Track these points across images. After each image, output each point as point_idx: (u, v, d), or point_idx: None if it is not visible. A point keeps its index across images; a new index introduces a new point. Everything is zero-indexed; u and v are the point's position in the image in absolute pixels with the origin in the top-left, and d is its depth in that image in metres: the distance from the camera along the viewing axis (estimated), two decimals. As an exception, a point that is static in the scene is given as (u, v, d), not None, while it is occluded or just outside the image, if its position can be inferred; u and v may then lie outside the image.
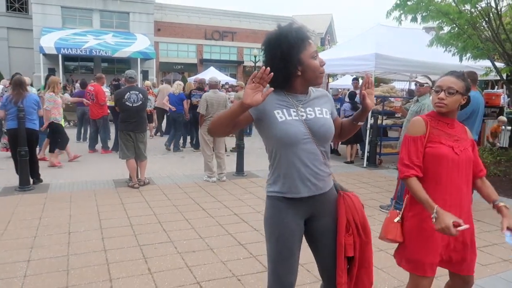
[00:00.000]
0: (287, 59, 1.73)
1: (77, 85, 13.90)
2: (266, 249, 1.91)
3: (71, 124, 13.24)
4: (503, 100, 9.71)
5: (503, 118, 9.33)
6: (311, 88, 1.90)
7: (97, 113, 8.60)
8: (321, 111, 1.86)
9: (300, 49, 1.74)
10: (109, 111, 8.95)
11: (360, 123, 1.99)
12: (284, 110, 1.79)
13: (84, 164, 7.39)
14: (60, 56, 19.33)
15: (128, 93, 5.70)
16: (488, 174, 6.59)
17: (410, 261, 2.03)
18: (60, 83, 7.32)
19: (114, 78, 15.63)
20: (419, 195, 1.94)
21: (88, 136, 9.43)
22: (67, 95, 12.57)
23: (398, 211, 2.14)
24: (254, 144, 9.95)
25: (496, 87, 14.63)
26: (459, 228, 1.82)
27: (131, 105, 5.69)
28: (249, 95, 1.62)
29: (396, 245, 2.16)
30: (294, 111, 1.80)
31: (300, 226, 1.87)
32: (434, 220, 1.86)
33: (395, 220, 2.08)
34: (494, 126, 9.30)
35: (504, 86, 8.82)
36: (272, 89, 1.66)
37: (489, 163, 6.92)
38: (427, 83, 4.81)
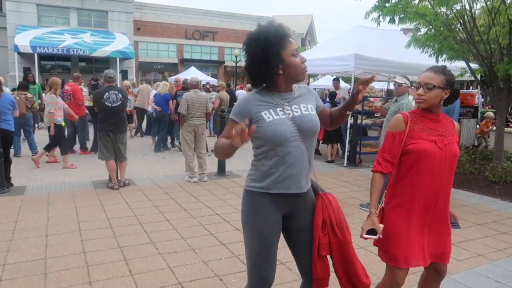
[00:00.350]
0: (268, 58, 1.75)
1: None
2: (245, 243, 1.93)
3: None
4: (478, 100, 10.00)
5: (490, 114, 9.41)
6: (294, 86, 1.94)
7: (74, 113, 8.40)
8: (306, 107, 1.90)
9: (281, 47, 1.76)
10: (87, 111, 8.77)
11: (349, 112, 2.07)
12: (271, 110, 1.82)
13: (61, 166, 7.22)
14: (36, 55, 18.79)
15: (107, 93, 5.61)
16: (463, 172, 6.82)
17: (386, 252, 2.10)
18: (60, 85, 7.26)
19: (92, 77, 15.37)
20: (371, 191, 2.07)
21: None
22: (44, 95, 12.28)
23: (379, 205, 2.19)
24: (236, 144, 9.91)
25: (471, 87, 15.07)
26: (366, 236, 1.98)
27: (110, 105, 5.61)
28: (238, 141, 1.52)
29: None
30: (280, 110, 1.84)
31: (279, 222, 1.92)
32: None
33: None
34: (483, 123, 9.32)
35: (479, 87, 9.09)
36: (254, 127, 1.59)
37: (464, 161, 7.13)
38: (405, 83, 4.91)
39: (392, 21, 7.32)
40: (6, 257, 3.37)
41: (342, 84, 10.12)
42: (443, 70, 2.08)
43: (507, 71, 6.49)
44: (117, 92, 5.68)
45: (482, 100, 11.71)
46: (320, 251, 1.88)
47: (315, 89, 15.94)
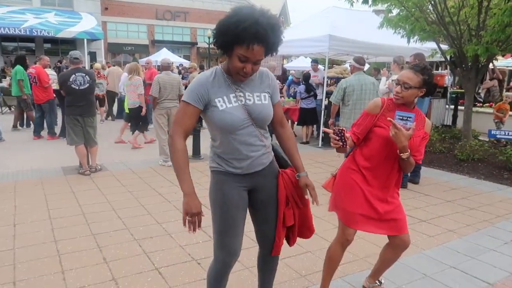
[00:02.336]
0: (226, 38, 1.69)
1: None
2: (212, 220, 1.97)
3: (12, 109, 12.35)
4: (447, 80, 10.24)
5: (508, 93, 9.08)
6: None
7: (42, 97, 8.05)
8: (259, 96, 1.89)
9: (238, 41, 1.66)
10: (55, 95, 8.41)
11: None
12: (225, 97, 1.81)
13: (29, 152, 6.94)
14: (-4, 36, 17.84)
15: (74, 75, 5.36)
16: (433, 150, 7.01)
17: (338, 208, 2.40)
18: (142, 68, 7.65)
19: (59, 59, 14.74)
20: None
21: (32, 122, 8.85)
22: (8, 79, 11.70)
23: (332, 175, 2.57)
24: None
25: (440, 68, 15.41)
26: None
27: (77, 88, 5.37)
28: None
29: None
30: (233, 96, 1.83)
31: (243, 197, 1.96)
32: None
33: (332, 174, 2.54)
34: (498, 104, 8.79)
35: (448, 67, 9.28)
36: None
37: (434, 140, 7.32)
38: (351, 64, 5.65)
39: (365, 1, 7.32)
40: (-29, 249, 3.21)
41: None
42: (422, 70, 2.23)
43: (476, 52, 6.64)
44: (84, 74, 5.44)
45: (451, 80, 11.99)
46: (286, 222, 2.00)
47: (289, 70, 15.83)
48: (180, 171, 1.79)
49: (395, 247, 2.42)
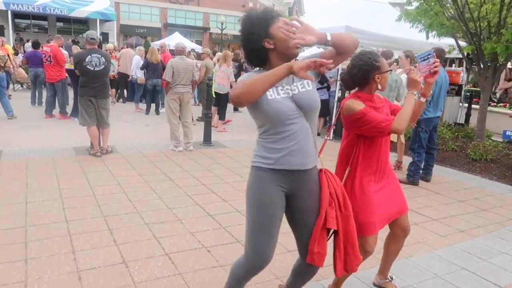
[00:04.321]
0: (258, 35, 1.78)
1: (28, 44, 12.96)
2: (247, 217, 1.91)
3: (24, 86, 12.42)
4: (462, 78, 10.06)
5: None
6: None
7: (55, 76, 8.06)
8: (303, 84, 1.89)
9: (268, 23, 1.79)
10: (67, 75, 8.41)
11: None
12: (273, 89, 1.80)
13: (40, 130, 6.98)
14: (9, 12, 17.81)
15: (90, 56, 5.34)
16: (446, 149, 6.92)
17: (361, 224, 2.18)
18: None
19: (72, 39, 14.72)
20: (408, 109, 2.11)
21: (44, 100, 8.89)
22: (20, 56, 11.73)
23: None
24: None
25: (454, 65, 15.15)
26: None
27: (92, 69, 5.35)
28: (303, 68, 1.62)
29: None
30: (281, 89, 1.84)
31: (282, 198, 1.89)
32: None
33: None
34: None
35: (464, 63, 9.13)
36: (313, 78, 1.83)
37: (447, 139, 7.23)
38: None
39: (384, -7, 7.17)
40: (-16, 224, 3.24)
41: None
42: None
43: (494, 50, 6.50)
44: (100, 56, 5.42)
45: (466, 77, 11.78)
46: (328, 223, 1.87)
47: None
48: (262, 77, 1.65)
49: (396, 237, 2.44)
